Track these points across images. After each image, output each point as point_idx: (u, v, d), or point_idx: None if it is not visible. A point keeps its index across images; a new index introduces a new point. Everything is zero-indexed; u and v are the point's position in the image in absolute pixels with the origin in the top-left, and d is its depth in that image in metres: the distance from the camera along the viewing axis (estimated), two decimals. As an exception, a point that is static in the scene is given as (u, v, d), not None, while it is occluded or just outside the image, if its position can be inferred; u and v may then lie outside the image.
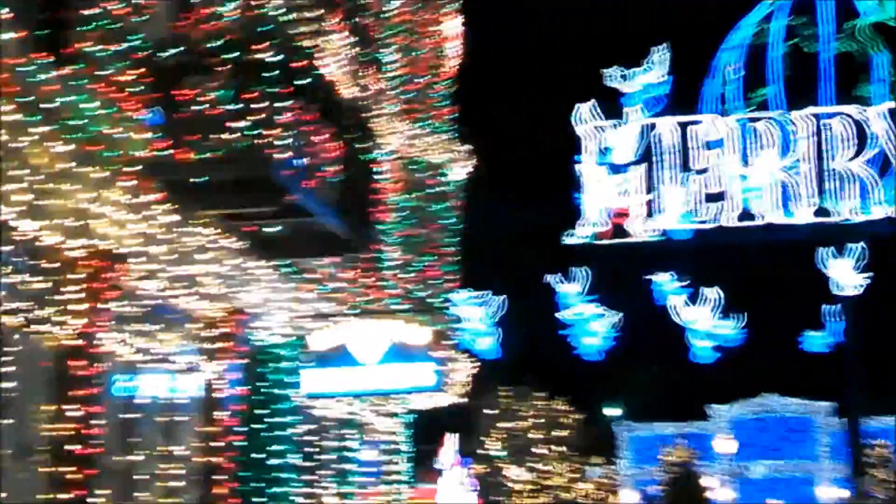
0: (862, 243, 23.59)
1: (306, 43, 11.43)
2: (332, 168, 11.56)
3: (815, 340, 26.35)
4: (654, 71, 24.61)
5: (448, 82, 18.65)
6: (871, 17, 25.46)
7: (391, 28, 17.37)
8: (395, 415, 18.31)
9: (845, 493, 49.14)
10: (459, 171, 18.29)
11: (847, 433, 27.03)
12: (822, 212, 23.71)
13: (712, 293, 24.34)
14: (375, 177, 14.24)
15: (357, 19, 15.57)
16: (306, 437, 15.02)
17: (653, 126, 24.29)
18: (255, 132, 9.77)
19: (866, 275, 23.35)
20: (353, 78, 14.05)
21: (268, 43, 10.06)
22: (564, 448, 47.36)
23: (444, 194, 18.08)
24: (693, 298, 24.45)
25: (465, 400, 19.14)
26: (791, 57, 25.51)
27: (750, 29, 26.82)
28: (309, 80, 10.82)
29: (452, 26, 18.74)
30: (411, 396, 16.54)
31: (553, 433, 46.36)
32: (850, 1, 25.93)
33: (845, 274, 23.39)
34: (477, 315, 23.62)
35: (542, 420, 46.37)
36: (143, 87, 9.82)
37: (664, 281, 24.45)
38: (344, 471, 16.87)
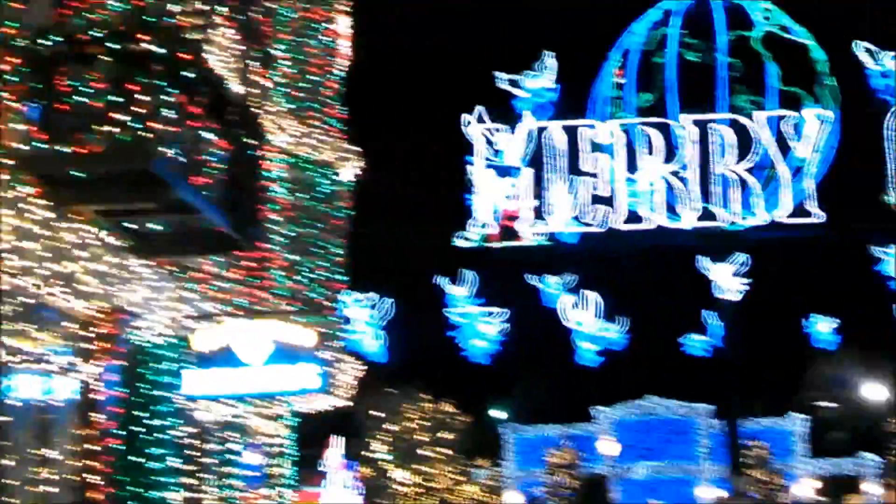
0: (744, 250, 24.15)
1: (194, 35, 11.14)
2: (219, 164, 11.31)
3: (697, 344, 26.92)
4: (544, 76, 24.82)
5: (339, 81, 18.45)
6: (763, 28, 26.15)
7: (282, 24, 17.11)
8: (279, 417, 18.02)
9: (724, 493, 50.36)
10: (349, 172, 18.12)
11: (726, 434, 27.63)
12: (707, 216, 24.20)
13: (598, 296, 24.62)
14: (263, 175, 13.99)
15: (247, 14, 15.28)
16: (187, 441, 14.66)
17: (542, 129, 24.48)
18: (138, 125, 9.47)
19: (746, 280, 23.90)
20: (241, 73, 13.79)
21: (153, 34, 9.77)
22: (450, 450, 47.42)
23: (333, 194, 17.88)
24: (579, 302, 24.69)
25: (351, 402, 18.94)
26: (681, 64, 26.02)
27: (640, 35, 27.29)
28: (195, 73, 10.53)
29: (343, 25, 18.57)
30: (296, 398, 16.30)
31: (439, 435, 46.38)
32: (743, 11, 26.58)
33: (727, 279, 23.91)
34: (364, 317, 23.47)
35: (429, 422, 46.36)
36: (20, 77, 9.46)
37: (552, 284, 24.64)
38: (226, 474, 16.53)
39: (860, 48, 23.96)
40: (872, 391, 49.97)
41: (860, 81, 24.09)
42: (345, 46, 18.39)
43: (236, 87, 13.39)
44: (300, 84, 17.12)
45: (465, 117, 24.57)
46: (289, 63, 17.00)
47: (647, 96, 26.25)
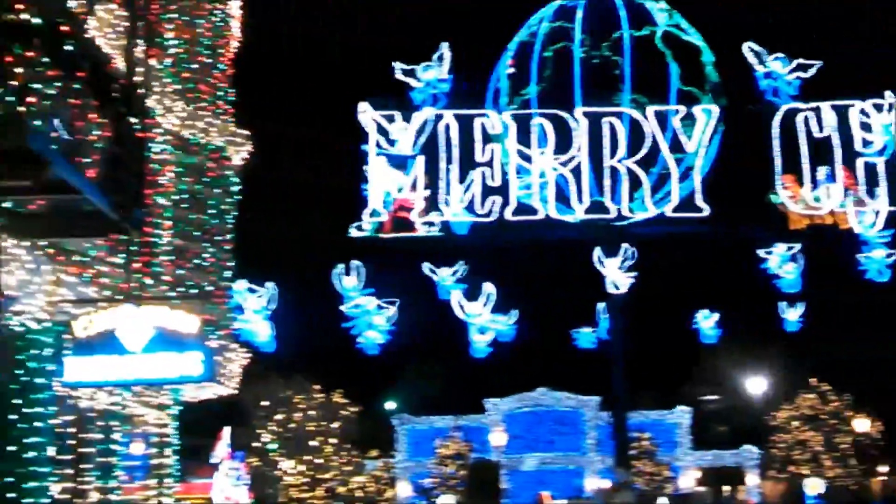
0: (633, 243, 24.44)
1: (76, 8, 10.74)
2: (101, 143, 10.93)
3: (586, 337, 27.21)
4: (439, 67, 24.75)
5: (229, 64, 18.09)
6: (663, 27, 26.54)
7: (171, 2, 16.69)
8: (164, 406, 17.60)
9: (610, 484, 51.14)
10: (238, 156, 17.78)
11: (612, 426, 27.97)
12: (598, 209, 24.45)
13: (490, 287, 24.65)
14: (149, 157, 13.61)
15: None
16: (67, 430, 14.22)
17: (436, 119, 24.42)
18: (13, 99, 9.07)
19: (634, 273, 24.20)
20: (127, 51, 13.37)
21: (31, 4, 9.36)
22: (341, 441, 47.11)
23: (222, 179, 17.52)
24: (471, 293, 24.71)
25: (239, 391, 18.61)
26: (582, 59, 26.25)
27: (536, 28, 27.46)
28: (76, 47, 10.14)
29: (235, 6, 18.20)
30: (181, 387, 15.93)
31: (329, 426, 46.03)
32: (645, 10, 26.93)
33: (615, 272, 24.18)
34: (255, 305, 23.10)
35: (318, 413, 45.98)
36: None
37: (444, 275, 24.59)
38: (107, 465, 16.08)
39: (748, 50, 24.44)
40: (755, 385, 51.30)
41: (748, 83, 24.60)
42: (236, 28, 18.03)
43: (121, 64, 12.96)
44: (189, 65, 16.73)
45: (359, 105, 24.38)
46: (177, 43, 16.60)
47: (537, 88, 26.43)
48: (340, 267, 23.97)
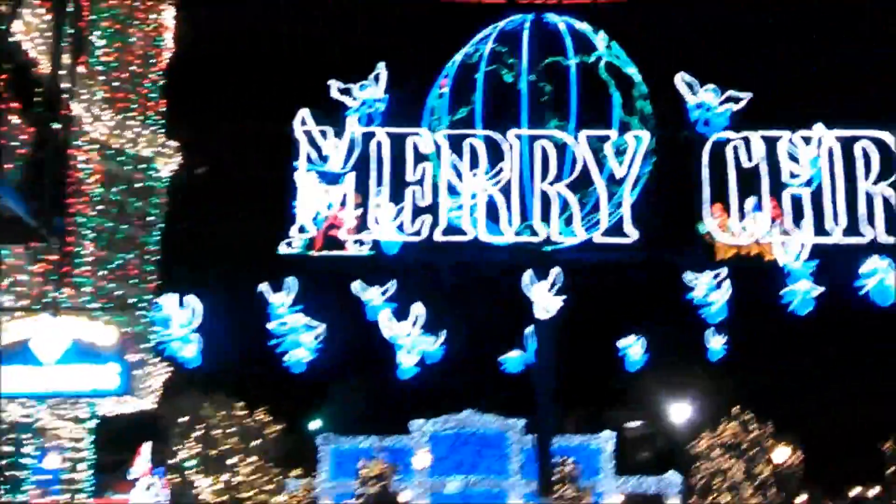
0: (562, 267, 24.50)
1: (0, 10, 10.47)
2: (20, 148, 10.64)
3: (513, 360, 27.20)
4: (375, 86, 24.67)
5: (161, 74, 17.85)
6: (604, 55, 26.81)
7: (102, 10, 16.43)
8: (80, 420, 17.21)
9: (533, 508, 51.17)
10: (167, 167, 17.52)
11: (537, 450, 27.97)
12: (527, 232, 24.49)
13: (419, 308, 24.54)
14: (74, 164, 13.32)
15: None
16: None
17: (368, 137, 24.32)
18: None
19: (562, 297, 24.25)
20: (54, 56, 13.07)
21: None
22: (262, 460, 46.62)
23: (149, 190, 17.24)
24: (399, 313, 24.58)
25: (158, 406, 18.29)
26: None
27: (472, 49, 27.56)
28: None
29: (168, 16, 17.98)
30: (98, 400, 15.58)
31: (250, 444, 45.53)
32: (587, 37, 27.18)
33: (543, 295, 24.21)
34: (178, 319, 22.71)
35: (240, 430, 45.46)
36: None
37: (373, 295, 24.43)
38: (18, 479, 15.64)
39: (681, 81, 24.70)
40: (679, 412, 51.79)
41: (679, 112, 24.85)
42: (169, 38, 17.80)
43: (48, 70, 12.68)
44: (119, 73, 16.48)
45: (298, 113, 24.17)
46: (108, 51, 16.35)
47: (466, 109, 26.51)
48: (268, 284, 23.69)
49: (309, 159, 24.09)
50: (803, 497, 53.47)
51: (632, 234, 24.16)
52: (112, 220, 16.44)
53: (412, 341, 24.49)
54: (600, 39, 27.29)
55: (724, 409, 55.20)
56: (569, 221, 24.48)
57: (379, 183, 24.10)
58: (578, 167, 24.30)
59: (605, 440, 59.49)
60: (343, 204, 24.02)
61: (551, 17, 27.75)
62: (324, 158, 24.13)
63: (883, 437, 55.19)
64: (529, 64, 26.87)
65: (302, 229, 23.88)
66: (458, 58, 27.69)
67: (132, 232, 16.82)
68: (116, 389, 12.38)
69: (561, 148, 24.40)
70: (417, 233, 23.90)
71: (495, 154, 24.55)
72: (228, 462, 44.69)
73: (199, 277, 25.51)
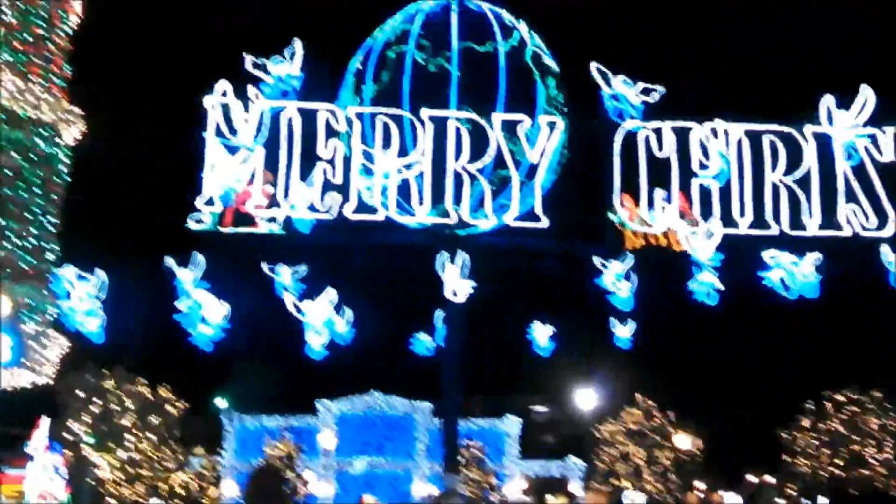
0: (473, 250, 24.47)
1: None
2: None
3: (421, 343, 27.17)
4: (290, 63, 24.28)
5: (67, 39, 17.33)
6: (531, 44, 26.81)
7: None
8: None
9: (437, 491, 51.37)
10: (70, 135, 17.03)
11: (443, 432, 28.03)
12: (439, 214, 24.40)
13: (329, 289, 24.34)
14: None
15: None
16: None
17: (280, 111, 23.95)
18: None
19: (473, 281, 24.24)
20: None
21: None
22: (165, 437, 46.00)
23: (51, 157, 16.75)
24: (310, 293, 24.34)
25: (55, 380, 17.84)
26: (420, 65, 26.21)
27: (389, 28, 27.32)
28: None
29: (77, -20, 17.46)
30: (-9, 373, 15.12)
31: (152, 420, 44.84)
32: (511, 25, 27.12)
33: (455, 278, 24.17)
34: (81, 292, 22.19)
35: (142, 407, 44.75)
36: None
37: (283, 273, 24.15)
38: None
39: (595, 71, 24.77)
40: (584, 398, 52.44)
41: (593, 102, 24.94)
42: (77, 3, 17.27)
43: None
44: (22, 36, 15.95)
45: (216, 84, 23.69)
46: (10, 12, 15.81)
47: (377, 87, 26.29)
48: (174, 258, 23.24)
49: (219, 132, 23.66)
50: (702, 484, 54.54)
51: (543, 219, 24.22)
52: (9, 188, 15.93)
53: (321, 322, 24.27)
54: (523, 27, 27.28)
55: (629, 396, 56.08)
56: (481, 204, 24.45)
57: (290, 159, 23.78)
58: (492, 151, 24.26)
59: (511, 424, 60.01)
60: (253, 180, 23.66)
61: (475, 2, 27.66)
62: (233, 132, 23.71)
63: (779, 426, 56.62)
64: (447, 47, 26.72)
65: (210, 202, 23.45)
66: (378, 35, 27.42)
67: (31, 200, 16.30)
68: (8, 362, 12.00)
69: (476, 131, 24.32)
70: (327, 210, 23.65)
71: (409, 134, 24.39)
72: (129, 438, 43.93)
73: (104, 250, 24.94)
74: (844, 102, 24.66)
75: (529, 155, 24.43)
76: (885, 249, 24.32)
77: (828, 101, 24.62)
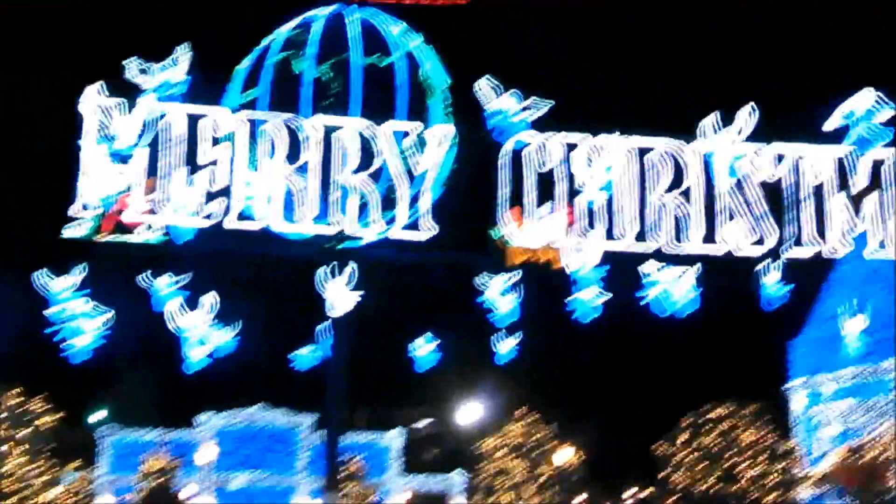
0: (359, 261, 24.29)
1: None
2: None
3: (304, 357, 26.83)
4: (175, 68, 23.79)
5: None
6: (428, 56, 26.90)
7: None
8: None
9: (318, 505, 51.00)
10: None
11: (325, 447, 27.72)
12: (324, 223, 24.15)
13: (209, 299, 23.88)
14: None
15: None
16: None
17: (162, 115, 23.41)
18: None
19: (357, 293, 24.05)
20: None
21: None
22: (36, 450, 44.64)
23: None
24: (190, 303, 23.84)
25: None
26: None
27: (280, 35, 27.17)
28: None
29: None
30: None
31: (21, 433, 43.47)
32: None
33: (339, 290, 23.95)
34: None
35: (12, 418, 43.36)
36: None
37: (161, 283, 23.61)
38: None
39: (480, 85, 24.74)
40: (467, 412, 52.65)
41: (481, 117, 24.97)
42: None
43: None
44: None
45: (87, 88, 23.04)
46: None
47: (263, 92, 26.08)
48: (48, 267, 22.58)
49: (105, 138, 23.01)
50: (582, 497, 55.14)
51: (426, 232, 24.14)
52: None
53: (202, 333, 23.81)
54: (416, 40, 27.36)
55: (511, 410, 56.43)
56: (365, 215, 24.26)
57: (171, 165, 23.24)
58: (378, 160, 24.10)
59: (393, 438, 59.90)
60: (132, 185, 23.06)
61: (367, 13, 27.60)
62: (112, 137, 23.08)
63: (657, 440, 57.68)
64: (341, 56, 26.60)
65: (85, 207, 22.77)
66: (269, 41, 27.23)
67: None
68: None
69: (363, 140, 24.13)
70: (208, 217, 23.20)
71: (294, 142, 24.07)
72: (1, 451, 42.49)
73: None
74: (728, 119, 25.16)
75: (418, 167, 24.32)
76: (759, 269, 24.79)
77: (711, 119, 25.08)
